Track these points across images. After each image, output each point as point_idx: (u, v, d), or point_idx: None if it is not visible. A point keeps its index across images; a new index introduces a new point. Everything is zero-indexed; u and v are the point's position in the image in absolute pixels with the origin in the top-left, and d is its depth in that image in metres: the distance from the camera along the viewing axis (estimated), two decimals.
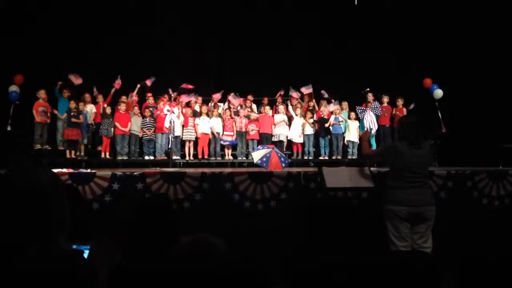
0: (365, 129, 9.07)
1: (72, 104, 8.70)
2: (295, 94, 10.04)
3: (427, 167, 4.02)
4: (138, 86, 9.45)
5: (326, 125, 9.64)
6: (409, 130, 3.93)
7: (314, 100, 10.18)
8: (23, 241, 1.25)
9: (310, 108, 10.08)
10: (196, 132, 9.41)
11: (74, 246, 1.88)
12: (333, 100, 9.88)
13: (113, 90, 9.37)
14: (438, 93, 9.49)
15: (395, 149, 3.94)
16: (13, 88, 8.53)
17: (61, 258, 1.28)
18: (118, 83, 9.34)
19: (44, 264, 1.24)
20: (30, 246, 1.24)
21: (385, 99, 9.72)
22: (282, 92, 10.21)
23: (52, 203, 1.32)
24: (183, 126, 9.35)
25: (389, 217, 3.91)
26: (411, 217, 3.85)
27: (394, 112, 9.71)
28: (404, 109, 9.66)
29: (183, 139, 9.37)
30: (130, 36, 9.97)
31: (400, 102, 9.75)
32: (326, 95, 9.98)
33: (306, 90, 10.06)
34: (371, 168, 4.81)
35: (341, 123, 9.66)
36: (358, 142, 9.63)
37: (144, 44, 10.10)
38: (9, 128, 8.40)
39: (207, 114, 9.52)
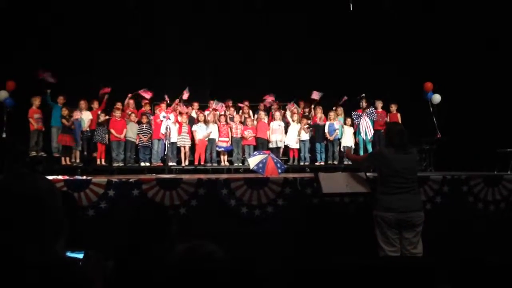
0: (361, 135, 9.21)
1: (65, 111, 8.58)
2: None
3: (415, 172, 4.05)
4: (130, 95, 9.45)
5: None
6: (396, 136, 3.97)
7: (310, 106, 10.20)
8: (21, 247, 1.24)
9: (306, 114, 10.08)
10: (192, 138, 9.37)
11: (68, 253, 1.87)
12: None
13: (106, 96, 9.28)
14: (436, 98, 9.50)
15: (382, 155, 4.00)
16: (2, 94, 8.46)
17: (57, 265, 1.28)
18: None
19: (41, 270, 1.23)
20: (29, 251, 1.24)
21: (380, 105, 9.76)
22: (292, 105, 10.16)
23: (49, 210, 1.32)
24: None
25: (378, 223, 3.94)
26: (399, 223, 3.87)
27: (388, 117, 9.75)
28: (399, 115, 9.66)
29: (178, 145, 9.34)
30: (130, 36, 9.93)
31: (394, 107, 9.77)
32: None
33: (317, 95, 9.96)
34: (367, 173, 4.82)
35: (337, 130, 9.64)
36: (354, 147, 9.67)
37: (144, 44, 10.08)
38: (4, 135, 8.35)
39: (204, 121, 9.48)
